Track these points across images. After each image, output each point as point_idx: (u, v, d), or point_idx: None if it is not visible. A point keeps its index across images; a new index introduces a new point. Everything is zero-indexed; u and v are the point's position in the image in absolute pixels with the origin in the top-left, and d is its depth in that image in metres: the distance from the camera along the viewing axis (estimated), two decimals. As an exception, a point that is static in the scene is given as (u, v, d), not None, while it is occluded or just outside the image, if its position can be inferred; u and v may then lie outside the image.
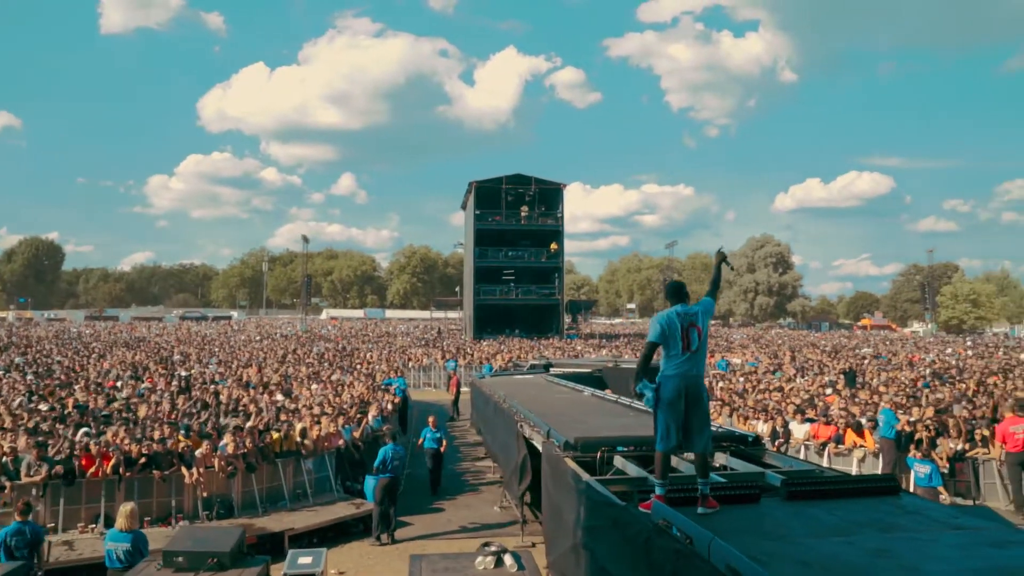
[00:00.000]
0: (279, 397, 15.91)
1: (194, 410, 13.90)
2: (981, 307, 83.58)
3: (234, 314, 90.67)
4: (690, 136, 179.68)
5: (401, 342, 43.68)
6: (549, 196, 52.93)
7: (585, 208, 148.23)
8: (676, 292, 5.32)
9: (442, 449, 13.65)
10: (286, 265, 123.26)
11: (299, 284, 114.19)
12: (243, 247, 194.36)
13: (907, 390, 17.37)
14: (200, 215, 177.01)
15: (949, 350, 39.37)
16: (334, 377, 20.64)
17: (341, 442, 12.55)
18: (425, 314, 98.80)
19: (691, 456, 5.84)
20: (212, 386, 17.77)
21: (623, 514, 5.09)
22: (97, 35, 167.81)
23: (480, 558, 6.84)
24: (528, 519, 10.89)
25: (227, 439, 11.16)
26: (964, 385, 18.44)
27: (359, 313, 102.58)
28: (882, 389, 17.33)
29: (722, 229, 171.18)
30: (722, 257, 5.72)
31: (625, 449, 7.54)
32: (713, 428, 8.91)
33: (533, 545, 10.01)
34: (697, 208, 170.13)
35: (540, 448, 8.82)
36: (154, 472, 10.55)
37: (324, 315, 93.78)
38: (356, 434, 13.12)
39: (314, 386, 18.13)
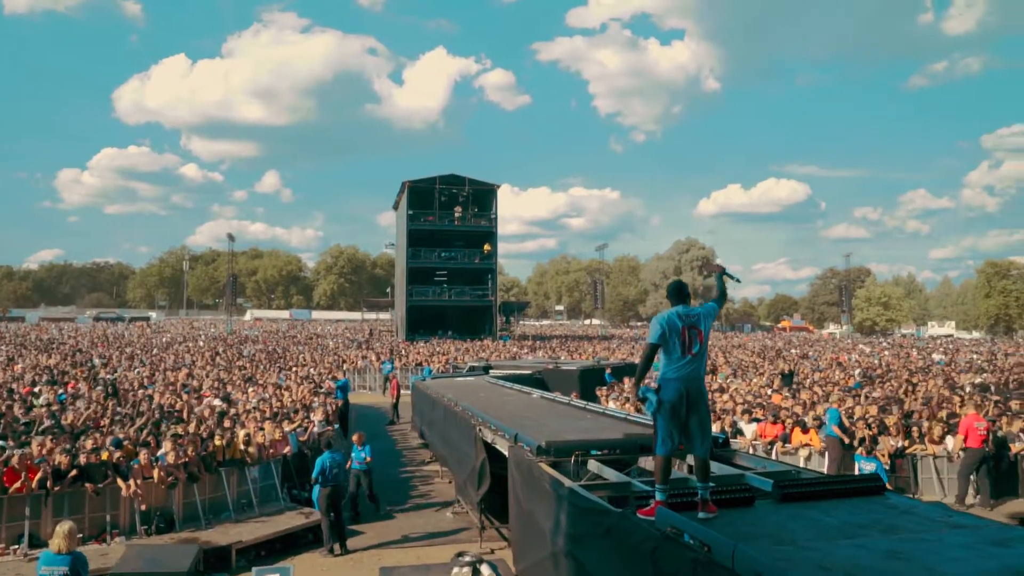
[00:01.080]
0: (216, 402, 15.18)
1: (128, 417, 13.09)
2: (891, 309, 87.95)
3: (152, 315, 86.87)
4: (617, 141, 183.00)
5: (332, 344, 42.69)
6: (483, 197, 52.77)
7: (513, 210, 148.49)
8: (677, 292, 5.19)
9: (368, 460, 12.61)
10: (208, 264, 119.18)
11: (222, 284, 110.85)
12: (162, 245, 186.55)
13: (841, 390, 17.91)
14: (115, 211, 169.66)
15: (868, 350, 41.08)
16: (271, 380, 19.89)
17: (288, 449, 12.03)
18: (354, 315, 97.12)
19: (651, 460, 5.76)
20: (140, 391, 16.84)
21: (621, 521, 4.94)
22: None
23: (456, 569, 6.63)
24: (486, 525, 10.63)
25: (167, 448, 10.52)
26: (894, 384, 19.19)
27: (284, 314, 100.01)
28: (822, 390, 17.83)
29: (647, 233, 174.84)
30: (721, 270, 5.59)
31: (599, 453, 7.41)
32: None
33: (492, 552, 9.81)
34: (623, 212, 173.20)
35: (506, 453, 8.62)
36: (86, 485, 9.84)
37: (248, 316, 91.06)
38: (303, 439, 12.60)
39: (251, 390, 17.41)
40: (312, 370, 25.53)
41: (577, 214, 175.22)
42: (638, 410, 5.44)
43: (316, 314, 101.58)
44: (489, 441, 9.64)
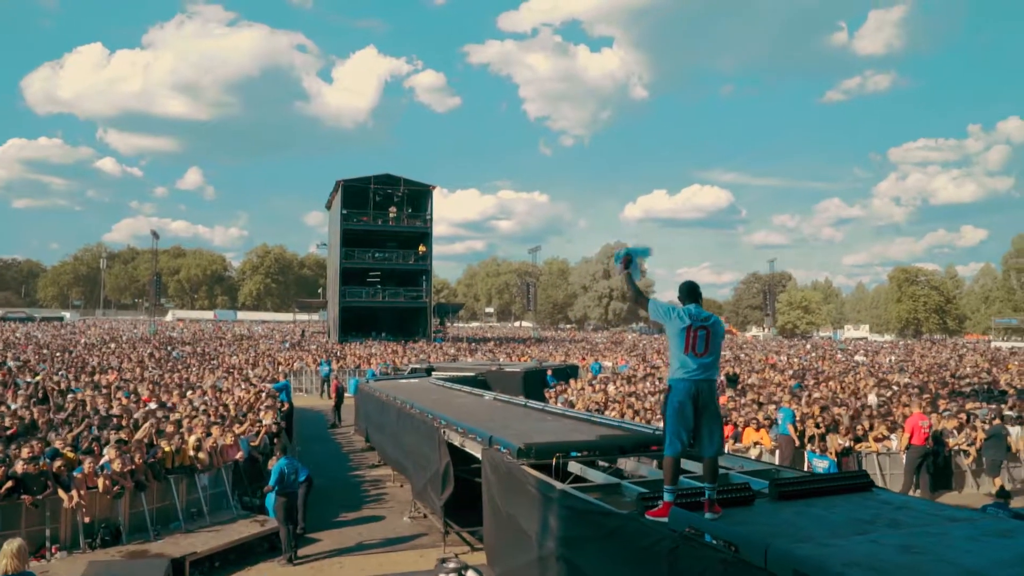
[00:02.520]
0: (152, 406, 14.47)
1: (64, 423, 12.32)
2: (811, 313, 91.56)
3: (66, 315, 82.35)
4: (546, 144, 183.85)
5: (264, 345, 41.50)
6: (418, 198, 52.23)
7: (442, 212, 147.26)
8: (691, 292, 5.19)
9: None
10: (127, 263, 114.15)
11: (142, 283, 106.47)
12: (75, 242, 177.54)
13: (781, 391, 18.48)
14: (23, 205, 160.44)
15: (792, 351, 42.58)
16: (209, 383, 19.13)
17: (240, 455, 11.56)
18: (281, 316, 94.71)
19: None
20: (69, 395, 15.89)
21: (628, 524, 4.91)
22: None
23: (443, 575, 6.47)
24: (449, 530, 10.46)
25: (111, 455, 9.95)
26: (831, 385, 19.94)
27: (208, 314, 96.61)
28: (764, 391, 18.34)
29: (575, 236, 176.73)
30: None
31: (579, 454, 7.39)
32: (653, 430, 9.02)
33: (456, 556, 9.65)
34: (552, 215, 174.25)
35: (478, 455, 8.51)
36: (23, 497, 9.20)
37: (170, 316, 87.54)
38: (255, 444, 12.14)
39: (190, 393, 16.69)
40: (249, 372, 24.71)
41: (506, 216, 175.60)
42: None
43: (242, 314, 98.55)
44: (458, 444, 9.51)
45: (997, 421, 13.49)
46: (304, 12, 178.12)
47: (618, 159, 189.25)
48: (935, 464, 12.66)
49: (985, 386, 22.00)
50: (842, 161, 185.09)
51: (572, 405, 16.50)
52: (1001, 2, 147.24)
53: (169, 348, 35.97)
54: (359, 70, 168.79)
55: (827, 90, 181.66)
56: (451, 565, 6.47)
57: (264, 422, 13.14)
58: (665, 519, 4.69)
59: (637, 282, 5.47)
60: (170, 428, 11.70)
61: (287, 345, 42.25)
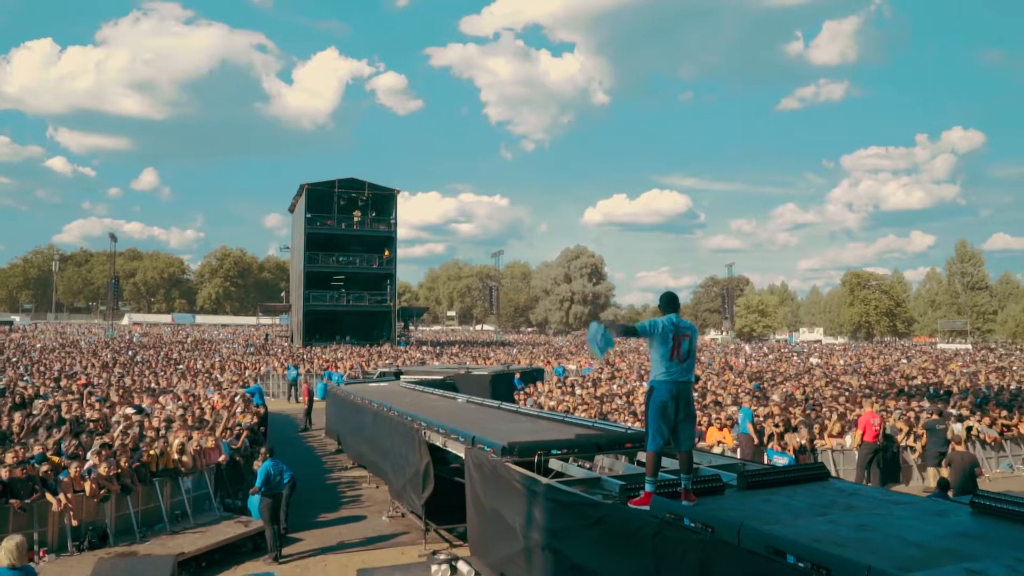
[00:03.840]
0: (128, 410, 14.58)
1: (41, 428, 12.40)
2: (768, 316, 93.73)
3: (16, 319, 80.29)
4: (507, 148, 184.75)
5: (227, 349, 41.24)
6: (383, 202, 52.38)
7: (403, 214, 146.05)
8: (671, 302, 5.66)
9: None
10: (80, 265, 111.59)
11: (96, 286, 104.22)
12: (24, 243, 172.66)
13: (744, 392, 19.26)
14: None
15: (752, 354, 43.80)
16: (183, 388, 19.20)
17: (223, 457, 11.80)
18: (240, 320, 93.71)
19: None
20: (40, 401, 15.87)
21: (613, 512, 5.40)
22: None
23: (435, 567, 6.89)
24: (430, 527, 10.85)
25: (96, 459, 10.14)
26: (788, 386, 20.80)
27: (166, 318, 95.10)
28: (724, 391, 19.08)
29: (535, 240, 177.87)
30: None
31: (559, 452, 7.87)
32: (625, 429, 9.56)
33: (435, 553, 10.04)
34: (512, 218, 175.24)
35: (461, 455, 8.93)
36: (11, 501, 9.35)
37: (126, 320, 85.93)
38: (235, 447, 12.38)
39: (162, 397, 16.79)
40: (219, 376, 24.73)
41: (466, 220, 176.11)
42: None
43: (200, 318, 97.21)
44: (439, 444, 9.91)
45: (935, 416, 14.37)
46: (264, 12, 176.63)
47: (579, 164, 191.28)
48: (884, 459, 13.46)
49: (931, 386, 23.13)
50: (797, 167, 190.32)
51: (542, 407, 17.02)
52: (945, 19, 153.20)
53: (130, 352, 35.60)
54: (320, 71, 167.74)
55: (783, 97, 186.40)
56: (442, 556, 6.89)
57: (244, 425, 13.36)
58: (647, 507, 5.20)
59: (614, 330, 5.80)
60: (152, 432, 11.89)
61: (251, 349, 42.04)
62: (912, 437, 14.14)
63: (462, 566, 6.85)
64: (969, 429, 14.80)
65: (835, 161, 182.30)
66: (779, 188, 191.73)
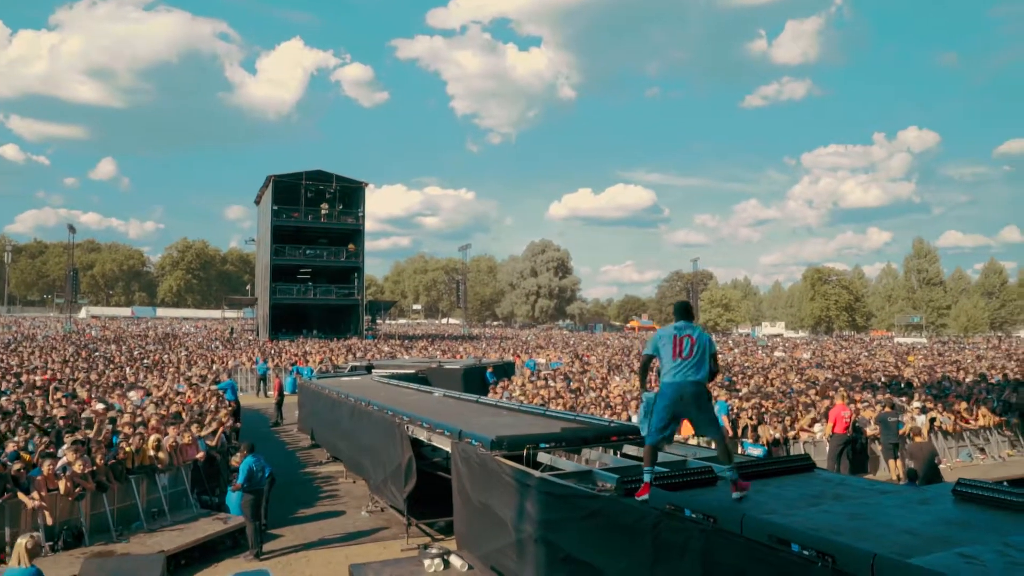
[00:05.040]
0: (99, 407, 14.32)
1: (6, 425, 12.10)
2: (731, 311, 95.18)
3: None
4: (474, 142, 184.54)
5: (192, 343, 40.58)
6: (350, 194, 51.99)
7: (368, 207, 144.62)
8: (683, 311, 5.73)
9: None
10: (34, 257, 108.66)
11: (52, 278, 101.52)
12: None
13: (717, 386, 19.59)
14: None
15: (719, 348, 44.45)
16: (151, 383, 18.87)
17: (200, 454, 11.67)
18: (203, 313, 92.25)
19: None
20: (4, 397, 15.48)
21: (610, 504, 5.50)
22: None
23: (428, 561, 6.93)
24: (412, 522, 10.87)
25: (71, 456, 9.95)
26: (758, 380, 21.21)
27: (126, 311, 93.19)
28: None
29: (501, 233, 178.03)
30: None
31: (547, 445, 7.96)
32: (608, 422, 9.69)
33: (426, 547, 10.05)
34: (478, 212, 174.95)
35: (447, 449, 8.97)
36: (-16, 499, 9.15)
37: (84, 313, 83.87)
38: (212, 443, 12.25)
39: (132, 393, 16.51)
40: (187, 371, 24.36)
41: (432, 213, 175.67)
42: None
43: (161, 311, 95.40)
44: (424, 439, 9.93)
45: (888, 409, 14.78)
46: (227, 0, 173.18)
47: (545, 158, 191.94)
48: (854, 450, 13.82)
49: (894, 379, 23.76)
50: (760, 164, 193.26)
51: (522, 401, 17.08)
52: (902, 22, 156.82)
53: (91, 347, 34.86)
54: (285, 62, 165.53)
55: (747, 95, 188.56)
56: (434, 551, 6.93)
57: (222, 421, 13.22)
58: (645, 496, 5.30)
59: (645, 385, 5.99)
60: (128, 429, 11.70)
61: (217, 343, 41.44)
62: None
63: (455, 560, 6.89)
64: (932, 420, 15.27)
65: (796, 158, 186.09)
66: (742, 184, 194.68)
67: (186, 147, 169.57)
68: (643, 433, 5.70)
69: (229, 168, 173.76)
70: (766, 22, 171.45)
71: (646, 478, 5.46)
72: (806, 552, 3.93)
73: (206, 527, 10.55)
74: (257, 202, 57.26)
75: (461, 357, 33.71)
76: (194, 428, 12.31)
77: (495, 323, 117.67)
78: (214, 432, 12.69)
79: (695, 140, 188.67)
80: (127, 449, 10.73)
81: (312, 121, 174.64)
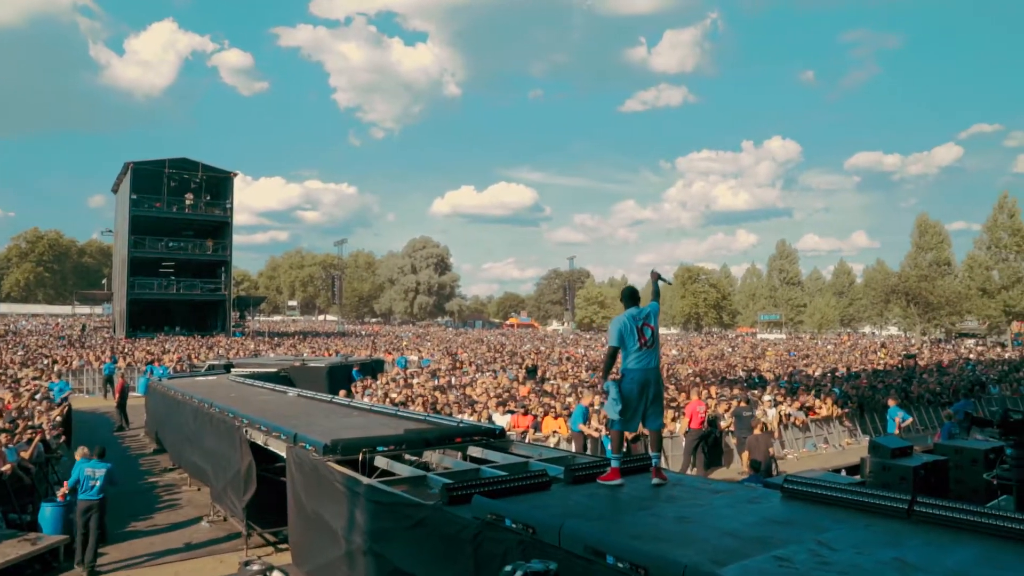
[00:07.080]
0: None
1: None
2: (607, 308, 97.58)
3: None
4: (356, 135, 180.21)
5: (35, 341, 37.21)
6: (218, 185, 49.39)
7: (244, 200, 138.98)
8: (631, 297, 5.86)
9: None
10: None
11: None
12: None
13: (583, 383, 19.75)
14: None
15: (591, 345, 45.34)
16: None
17: (7, 467, 10.36)
18: (55, 309, 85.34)
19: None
20: None
21: (434, 514, 5.11)
22: None
23: (246, 577, 6.27)
24: (253, 532, 10.13)
25: None
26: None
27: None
28: (564, 381, 19.42)
29: (383, 229, 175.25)
30: (657, 276, 6.18)
31: (385, 449, 7.50)
32: (457, 422, 9.34)
33: (260, 558, 9.36)
34: (359, 207, 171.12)
35: (283, 454, 8.34)
36: None
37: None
38: (25, 455, 10.93)
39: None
40: (17, 372, 22.11)
41: (312, 207, 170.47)
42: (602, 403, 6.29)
43: (6, 307, 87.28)
44: (261, 443, 9.24)
45: (743, 404, 15.30)
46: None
47: (428, 154, 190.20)
48: (708, 444, 14.15)
49: (750, 374, 24.84)
50: (637, 166, 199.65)
51: (392, 401, 16.47)
52: (768, 39, 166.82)
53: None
54: (156, 43, 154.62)
55: (627, 99, 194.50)
56: (255, 568, 6.28)
57: (45, 428, 11.88)
58: (616, 481, 5.54)
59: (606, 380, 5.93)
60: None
61: (63, 341, 38.19)
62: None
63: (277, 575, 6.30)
64: (782, 413, 15.92)
65: (671, 162, 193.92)
66: (620, 185, 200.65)
67: (41, 129, 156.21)
68: (612, 418, 5.80)
69: (92, 154, 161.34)
70: (646, 30, 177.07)
71: (614, 463, 5.70)
72: (620, 564, 3.68)
73: (9, 551, 9.30)
74: (115, 190, 53.38)
75: (329, 355, 32.55)
76: (3, 437, 10.94)
77: (373, 320, 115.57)
78: (29, 441, 11.34)
79: (576, 141, 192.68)
80: (-88, 463, 9.38)
81: (185, 108, 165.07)
